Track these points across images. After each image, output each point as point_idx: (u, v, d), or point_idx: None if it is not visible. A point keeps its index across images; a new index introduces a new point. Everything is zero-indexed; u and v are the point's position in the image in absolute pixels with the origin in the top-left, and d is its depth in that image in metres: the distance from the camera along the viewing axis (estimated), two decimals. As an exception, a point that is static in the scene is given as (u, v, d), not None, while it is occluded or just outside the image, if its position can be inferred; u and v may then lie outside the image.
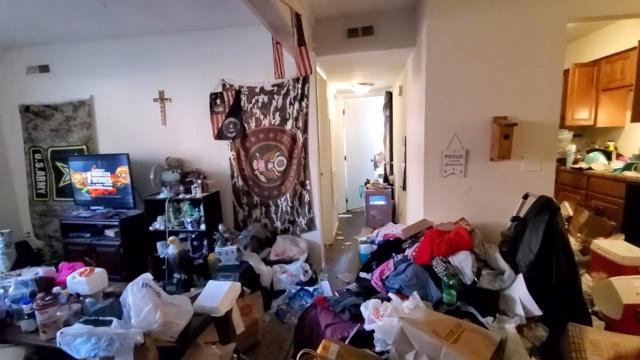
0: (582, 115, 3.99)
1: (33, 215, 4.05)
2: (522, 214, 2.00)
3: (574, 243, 2.62)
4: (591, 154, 3.82)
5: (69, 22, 3.13)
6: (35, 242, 3.99)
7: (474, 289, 1.75)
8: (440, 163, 2.47)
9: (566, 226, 2.61)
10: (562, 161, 3.96)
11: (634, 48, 3.19)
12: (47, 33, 3.40)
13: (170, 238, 2.67)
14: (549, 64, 2.27)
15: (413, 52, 3.17)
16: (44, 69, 3.77)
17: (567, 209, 3.19)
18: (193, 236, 3.31)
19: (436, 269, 1.84)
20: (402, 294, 1.82)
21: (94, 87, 3.73)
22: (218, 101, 3.49)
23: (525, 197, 2.06)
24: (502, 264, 1.83)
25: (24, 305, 1.58)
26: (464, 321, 1.46)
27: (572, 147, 4.06)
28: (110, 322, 1.42)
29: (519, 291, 1.67)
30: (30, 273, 2.01)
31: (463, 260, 1.84)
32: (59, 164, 3.92)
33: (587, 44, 4.09)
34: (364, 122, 6.46)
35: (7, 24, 3.10)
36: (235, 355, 1.74)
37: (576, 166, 3.81)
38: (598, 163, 3.63)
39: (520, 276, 1.70)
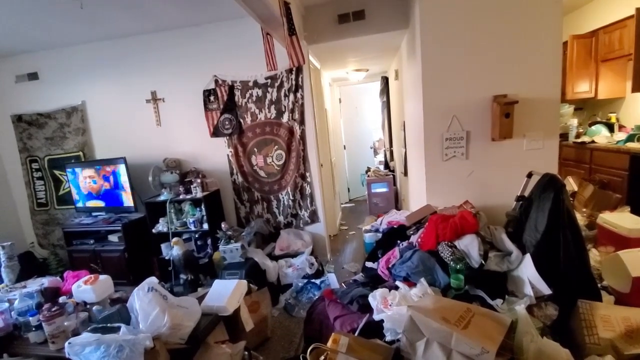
0: (582, 88, 3.93)
1: (35, 225, 4.04)
2: (526, 193, 1.97)
3: (580, 218, 2.58)
4: (593, 127, 3.77)
5: (53, 28, 3.06)
6: (40, 251, 4.00)
7: (482, 272, 1.73)
8: (441, 146, 2.43)
9: (571, 202, 2.58)
10: (564, 136, 3.90)
11: (631, 16, 3.10)
12: (32, 40, 3.33)
13: (174, 239, 2.66)
14: (546, 37, 2.20)
15: (407, 34, 3.10)
16: (33, 76, 3.71)
17: (571, 184, 3.15)
18: (196, 236, 3.30)
19: (442, 254, 1.82)
20: (410, 282, 1.80)
21: (85, 91, 3.67)
22: (212, 98, 3.43)
23: (529, 175, 2.03)
24: (509, 244, 1.81)
25: (30, 317, 1.58)
26: (473, 305, 1.45)
27: (574, 121, 4.00)
28: (119, 328, 1.41)
29: (527, 271, 1.65)
30: (35, 284, 2.00)
31: (469, 244, 1.82)
32: (57, 172, 3.90)
33: (584, 15, 4.00)
34: (361, 109, 6.39)
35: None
36: (246, 353, 1.74)
37: (579, 140, 3.76)
38: (600, 136, 3.58)
39: (528, 256, 1.68)
